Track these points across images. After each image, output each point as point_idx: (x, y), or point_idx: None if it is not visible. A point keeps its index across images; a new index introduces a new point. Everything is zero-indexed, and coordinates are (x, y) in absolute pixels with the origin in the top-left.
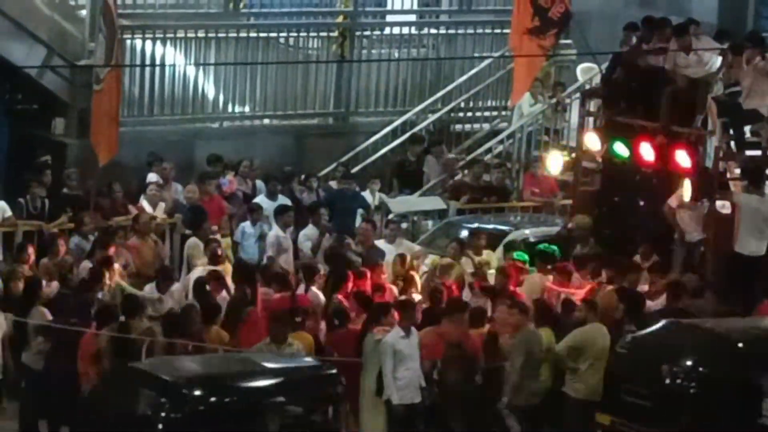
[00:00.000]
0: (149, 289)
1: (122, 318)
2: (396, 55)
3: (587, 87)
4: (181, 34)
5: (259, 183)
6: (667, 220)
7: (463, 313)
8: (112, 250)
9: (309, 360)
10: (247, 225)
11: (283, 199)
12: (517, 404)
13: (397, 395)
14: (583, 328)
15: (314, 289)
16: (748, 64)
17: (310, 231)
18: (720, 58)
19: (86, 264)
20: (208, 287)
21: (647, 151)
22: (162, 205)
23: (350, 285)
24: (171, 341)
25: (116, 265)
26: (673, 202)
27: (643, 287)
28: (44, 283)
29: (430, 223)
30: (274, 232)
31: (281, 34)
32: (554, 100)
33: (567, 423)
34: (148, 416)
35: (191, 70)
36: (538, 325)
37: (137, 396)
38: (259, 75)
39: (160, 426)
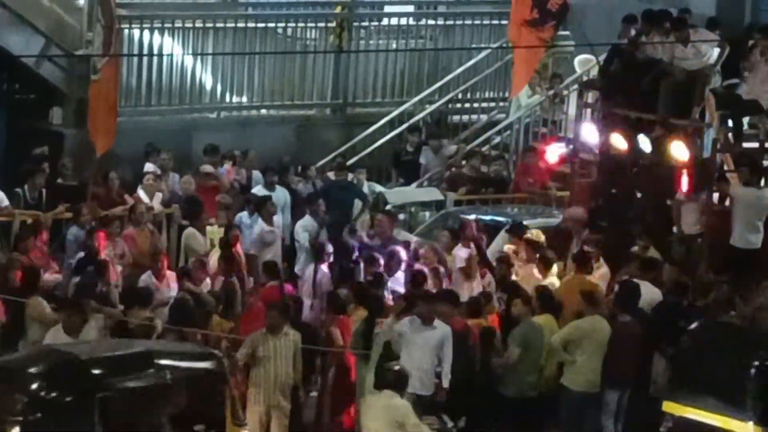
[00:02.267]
0: (146, 278)
1: (121, 308)
2: (394, 46)
3: (585, 79)
4: (179, 24)
5: (257, 174)
6: (668, 212)
7: (456, 305)
8: (102, 236)
9: None
10: (244, 215)
11: (280, 190)
12: (512, 396)
13: None
14: (580, 320)
15: (324, 268)
16: (762, 55)
17: (307, 222)
18: (717, 50)
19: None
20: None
21: (645, 143)
22: (159, 196)
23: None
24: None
25: (104, 254)
26: (680, 195)
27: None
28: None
29: (427, 214)
30: (258, 227)
31: (279, 25)
32: (552, 92)
33: (564, 415)
34: None
35: (189, 60)
36: (540, 312)
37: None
38: (256, 65)
39: None
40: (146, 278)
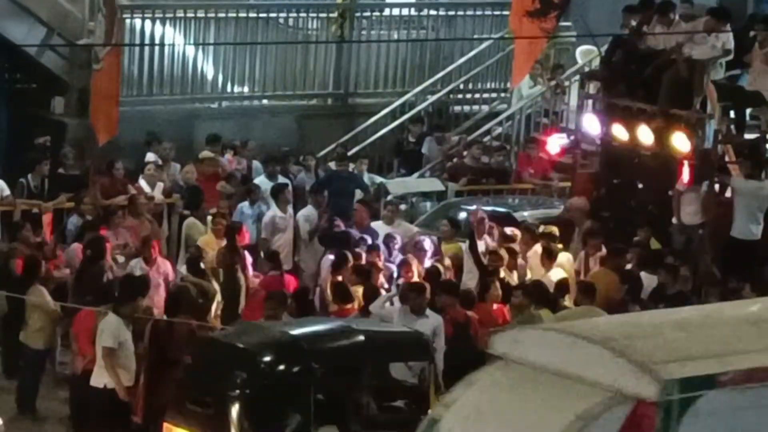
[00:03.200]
0: (134, 264)
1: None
2: (396, 36)
3: (587, 69)
4: (180, 13)
5: (257, 164)
6: (669, 203)
7: (456, 296)
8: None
9: None
10: (245, 205)
11: (282, 180)
12: None
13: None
14: (569, 310)
15: (329, 256)
16: (762, 47)
17: (309, 212)
18: (722, 42)
19: (76, 246)
20: (202, 264)
21: (646, 134)
22: (160, 185)
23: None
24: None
25: (108, 245)
26: (680, 185)
27: None
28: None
29: (428, 204)
30: (271, 213)
31: (281, 15)
32: (553, 83)
33: None
34: None
35: (191, 50)
36: (536, 305)
37: None
38: (258, 55)
39: None
40: (134, 264)
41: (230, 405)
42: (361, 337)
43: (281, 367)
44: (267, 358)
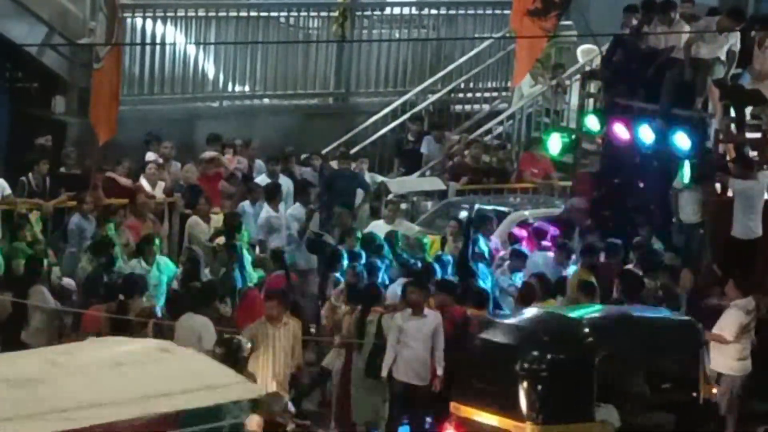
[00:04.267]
0: (135, 263)
1: (121, 297)
2: (396, 35)
3: (587, 68)
4: (181, 12)
5: (259, 163)
6: (670, 202)
7: (452, 294)
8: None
9: None
10: (246, 204)
11: (283, 179)
12: None
13: (395, 369)
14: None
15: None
16: (760, 47)
17: (297, 210)
18: (730, 43)
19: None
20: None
21: (647, 133)
22: (161, 185)
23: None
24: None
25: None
26: (678, 184)
27: None
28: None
29: (429, 203)
30: (265, 213)
31: (282, 14)
32: (554, 82)
33: None
34: None
35: (192, 49)
36: (542, 298)
37: None
38: (259, 54)
39: None
40: (134, 263)
41: (520, 384)
42: (639, 322)
43: (570, 350)
44: (558, 342)
